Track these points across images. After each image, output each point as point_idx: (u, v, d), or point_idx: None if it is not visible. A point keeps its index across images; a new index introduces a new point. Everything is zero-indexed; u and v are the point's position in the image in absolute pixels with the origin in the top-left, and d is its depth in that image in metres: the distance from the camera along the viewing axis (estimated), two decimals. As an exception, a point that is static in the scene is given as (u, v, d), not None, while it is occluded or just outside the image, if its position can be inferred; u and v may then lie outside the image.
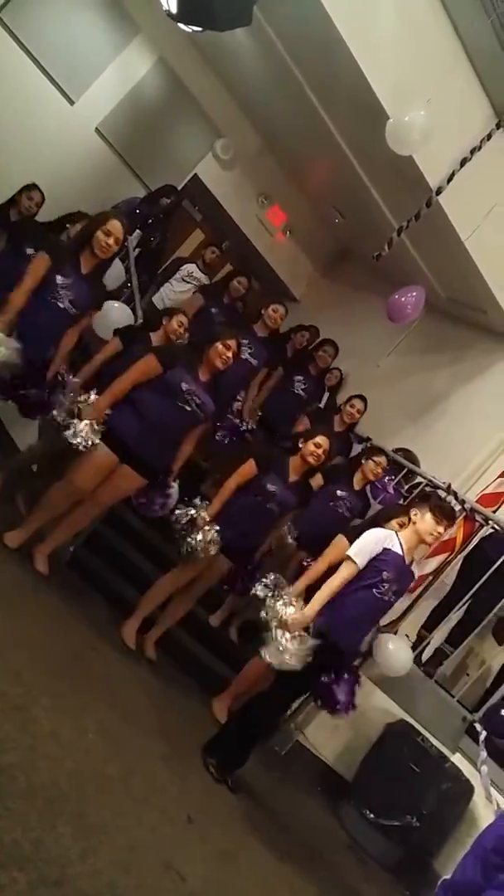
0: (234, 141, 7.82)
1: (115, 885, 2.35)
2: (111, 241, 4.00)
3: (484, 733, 4.57)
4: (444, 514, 3.71)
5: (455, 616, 5.11)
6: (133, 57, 7.33)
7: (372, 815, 4.50)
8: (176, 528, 4.13)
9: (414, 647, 4.95)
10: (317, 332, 7.17)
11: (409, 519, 3.79)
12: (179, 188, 7.70)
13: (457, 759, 4.68)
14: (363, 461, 5.08)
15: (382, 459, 5.12)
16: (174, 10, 4.19)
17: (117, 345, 4.63)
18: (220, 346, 4.11)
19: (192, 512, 4.12)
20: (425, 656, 5.09)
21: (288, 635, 3.50)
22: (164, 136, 7.72)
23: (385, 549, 3.64)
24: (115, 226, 4.01)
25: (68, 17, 7.02)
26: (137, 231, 6.79)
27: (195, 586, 4.35)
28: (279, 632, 3.52)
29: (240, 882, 3.08)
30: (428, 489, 5.57)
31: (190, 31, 5.11)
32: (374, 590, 3.59)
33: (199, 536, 4.07)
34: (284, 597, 3.76)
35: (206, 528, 4.08)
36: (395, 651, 4.44)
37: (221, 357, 4.11)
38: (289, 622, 3.55)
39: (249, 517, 4.28)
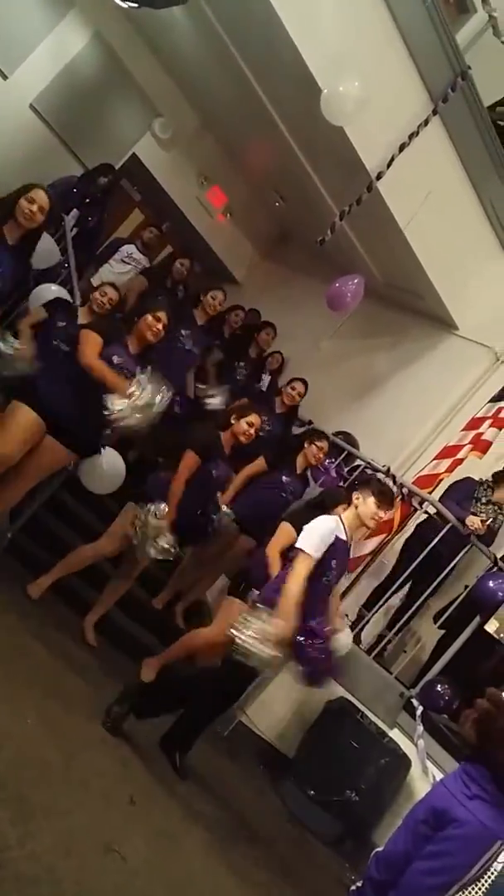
0: (173, 120, 7.71)
1: (54, 867, 2.35)
2: (35, 208, 3.90)
3: (420, 708, 4.69)
4: (386, 499, 3.74)
5: (397, 597, 5.23)
6: (68, 31, 7.14)
7: (312, 792, 4.58)
8: (136, 528, 4.11)
9: (353, 626, 5.04)
10: (257, 314, 7.18)
11: (351, 503, 3.80)
12: (117, 167, 7.56)
13: (394, 735, 4.80)
14: (305, 445, 5.13)
15: (324, 444, 5.17)
16: (110, -17, 4.11)
17: (41, 311, 4.56)
18: (149, 317, 4.09)
19: (149, 520, 4.08)
20: (364, 635, 5.19)
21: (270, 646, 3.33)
22: (102, 113, 7.57)
23: (336, 538, 3.63)
24: (38, 195, 3.92)
25: (0, -11, 6.81)
26: (75, 210, 6.66)
27: (129, 568, 4.34)
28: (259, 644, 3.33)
29: (182, 861, 3.10)
30: (368, 472, 5.66)
31: (126, 6, 5.03)
32: (323, 578, 3.58)
33: (160, 543, 4.06)
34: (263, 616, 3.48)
35: (163, 535, 4.06)
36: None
37: (152, 329, 4.09)
38: (272, 638, 3.31)
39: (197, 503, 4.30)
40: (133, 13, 6.52)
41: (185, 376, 6.06)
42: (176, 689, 3.77)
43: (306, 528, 3.62)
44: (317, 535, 3.55)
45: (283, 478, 5.08)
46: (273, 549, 4.14)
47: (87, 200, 6.74)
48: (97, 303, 4.75)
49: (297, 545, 3.56)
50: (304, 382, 6.24)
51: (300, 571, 3.45)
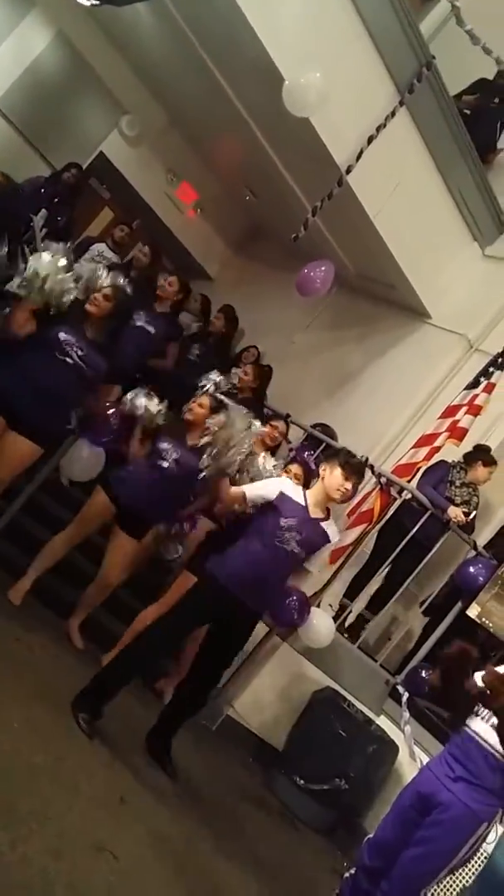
0: (140, 117, 7.68)
1: (46, 871, 2.36)
2: None
3: (406, 695, 4.74)
4: (353, 470, 3.58)
5: (375, 584, 5.27)
6: (30, 31, 7.11)
7: (302, 782, 4.62)
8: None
9: (337, 616, 5.08)
10: (231, 309, 7.18)
11: (318, 474, 3.70)
12: (85, 166, 7.53)
13: (381, 722, 4.85)
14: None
15: (279, 424, 5.22)
16: (71, -18, 4.09)
17: None
18: (95, 294, 4.07)
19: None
20: (347, 623, 5.23)
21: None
22: (67, 112, 7.53)
23: (281, 493, 3.58)
24: None
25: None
26: (44, 210, 6.62)
27: (107, 570, 4.34)
28: None
29: (174, 858, 3.12)
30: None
31: (88, 4, 5.01)
32: (276, 533, 3.51)
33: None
34: None
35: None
36: (318, 624, 4.53)
37: (93, 303, 4.05)
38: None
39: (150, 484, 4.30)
40: (96, 11, 6.48)
41: (139, 355, 5.92)
42: (118, 659, 3.69)
43: None
44: (258, 482, 3.72)
45: None
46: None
47: (56, 200, 6.70)
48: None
49: None
50: (259, 367, 6.33)
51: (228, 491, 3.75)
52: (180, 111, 7.53)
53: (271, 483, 3.74)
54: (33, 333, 3.91)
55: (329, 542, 3.72)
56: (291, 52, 4.99)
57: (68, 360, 3.91)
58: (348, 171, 5.44)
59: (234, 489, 3.74)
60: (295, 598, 4.37)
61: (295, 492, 3.65)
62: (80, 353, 3.94)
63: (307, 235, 5.89)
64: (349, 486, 3.58)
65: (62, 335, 3.91)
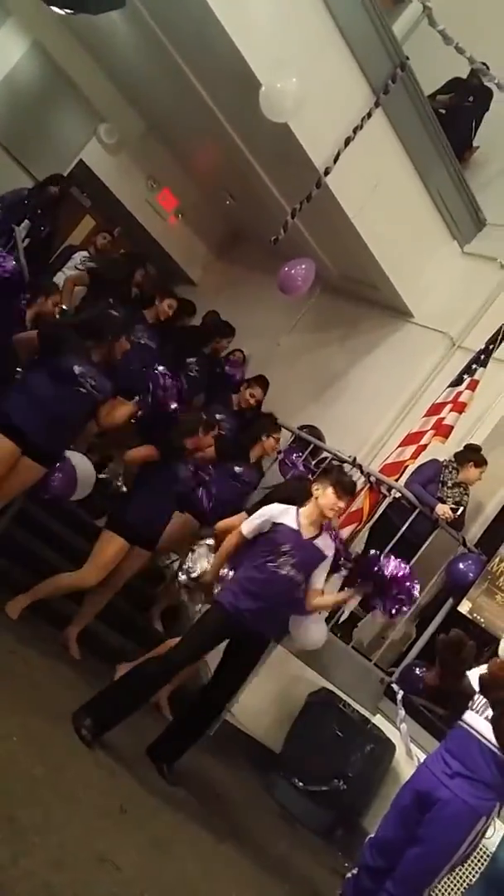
0: (118, 124, 7.69)
1: (49, 883, 2.36)
2: None
3: (401, 693, 4.76)
4: (345, 490, 3.69)
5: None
6: (5, 42, 7.11)
7: (301, 784, 4.64)
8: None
9: (330, 617, 5.10)
10: (216, 315, 7.20)
11: (311, 494, 3.77)
12: (65, 174, 7.53)
13: (377, 721, 4.87)
14: (263, 438, 5.23)
15: (280, 436, 5.34)
16: (45, -8, 4.10)
17: None
18: (125, 342, 4.30)
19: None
20: (341, 623, 5.25)
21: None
22: (46, 121, 7.53)
23: (275, 524, 3.65)
24: None
25: None
26: (26, 221, 6.62)
27: (112, 580, 4.34)
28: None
29: (176, 866, 3.13)
30: (334, 463, 5.71)
31: (63, 13, 5.01)
32: (268, 560, 3.58)
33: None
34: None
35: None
36: (309, 628, 4.54)
37: (122, 351, 4.28)
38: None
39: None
40: (71, 20, 6.49)
41: (147, 374, 5.99)
42: (128, 684, 3.69)
43: None
44: (255, 515, 3.75)
45: (236, 468, 5.13)
46: (221, 525, 4.22)
47: (39, 211, 6.70)
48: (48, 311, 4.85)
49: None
50: (263, 384, 6.32)
51: (230, 539, 3.80)
52: (158, 118, 7.54)
53: (265, 512, 3.74)
54: (46, 365, 4.00)
55: (326, 557, 3.75)
56: (266, 56, 5.02)
57: (82, 389, 4.01)
58: (326, 172, 5.47)
59: (232, 531, 3.83)
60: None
61: (287, 516, 3.68)
62: (92, 382, 4.04)
63: (289, 238, 5.92)
64: (342, 504, 3.71)
65: (76, 368, 4.00)
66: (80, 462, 4.39)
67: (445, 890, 3.91)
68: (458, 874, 3.83)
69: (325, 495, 3.66)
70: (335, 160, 5.48)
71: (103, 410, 4.27)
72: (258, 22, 4.99)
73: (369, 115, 5.54)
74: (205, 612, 3.83)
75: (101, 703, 3.51)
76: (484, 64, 6.10)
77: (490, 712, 3.11)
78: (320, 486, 3.71)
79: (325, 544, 3.74)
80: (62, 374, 3.97)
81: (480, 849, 3.47)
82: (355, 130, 5.51)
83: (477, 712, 3.17)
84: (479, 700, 3.16)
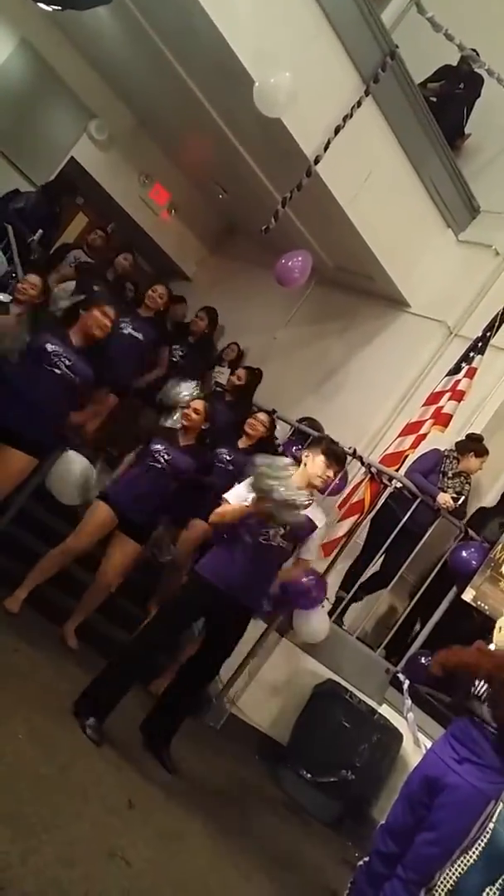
0: (108, 121, 7.67)
1: (59, 880, 2.36)
2: None
3: (407, 682, 4.76)
4: (335, 458, 3.59)
5: (370, 573, 5.29)
6: (-7, 40, 7.06)
7: (309, 775, 4.64)
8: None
9: (334, 609, 5.10)
10: (213, 312, 7.18)
11: (300, 461, 3.68)
12: (57, 172, 7.55)
13: (384, 710, 4.87)
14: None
15: (264, 417, 5.24)
16: (31, -11, 4.08)
17: None
18: (97, 312, 4.05)
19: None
20: (346, 616, 5.26)
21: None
22: (35, 119, 7.49)
23: None
24: None
25: None
26: (40, 231, 6.70)
27: (108, 573, 4.34)
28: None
29: (186, 859, 3.13)
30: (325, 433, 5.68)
31: (50, 9, 4.99)
32: (259, 538, 3.51)
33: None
34: None
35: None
36: (312, 620, 4.56)
37: (98, 324, 4.05)
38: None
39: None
40: (59, 16, 6.46)
41: (129, 360, 5.83)
42: (116, 664, 3.64)
43: None
44: (242, 484, 3.60)
45: (220, 451, 5.07)
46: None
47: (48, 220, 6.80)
48: (25, 294, 4.81)
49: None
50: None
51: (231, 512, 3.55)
52: (149, 112, 7.52)
53: (228, 495, 3.65)
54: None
55: (315, 527, 3.70)
56: (255, 47, 5.01)
57: (56, 370, 3.90)
58: (316, 161, 5.45)
59: (225, 505, 3.61)
60: (312, 577, 4.41)
61: None
62: (67, 362, 3.93)
63: (283, 231, 5.91)
64: (331, 473, 3.60)
65: (49, 346, 3.89)
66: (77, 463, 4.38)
67: (456, 872, 3.91)
68: (467, 858, 3.83)
69: (313, 463, 3.56)
70: (325, 149, 5.46)
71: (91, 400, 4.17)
72: (245, 12, 4.96)
73: (359, 103, 5.52)
74: (183, 585, 3.80)
75: (95, 690, 3.48)
76: (474, 50, 6.10)
77: (488, 690, 3.13)
78: (310, 452, 3.61)
79: (317, 516, 3.69)
80: (33, 352, 3.88)
81: (488, 831, 3.47)
82: (345, 119, 5.49)
83: (478, 698, 3.18)
84: (482, 685, 3.16)
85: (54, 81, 7.35)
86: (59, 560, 4.27)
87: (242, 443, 5.17)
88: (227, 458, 5.03)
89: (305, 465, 3.60)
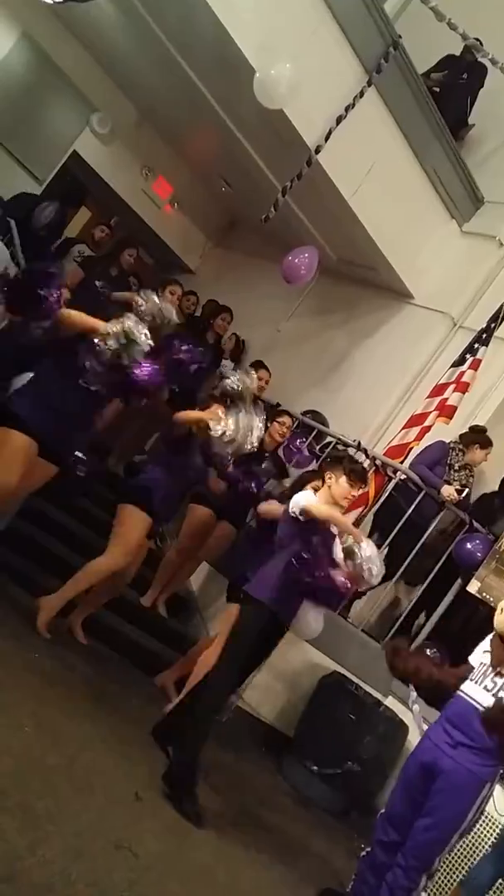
0: (111, 114, 7.65)
1: (67, 871, 2.37)
2: None
3: (412, 674, 4.76)
4: (358, 477, 3.73)
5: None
6: (-6, 34, 7.05)
7: (315, 767, 4.65)
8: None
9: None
10: (215, 304, 7.18)
11: (324, 481, 3.78)
12: (59, 166, 7.56)
13: (389, 702, 4.87)
14: (268, 424, 5.17)
15: (286, 419, 5.23)
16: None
17: None
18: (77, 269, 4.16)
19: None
20: (351, 609, 5.26)
21: None
22: (37, 113, 7.49)
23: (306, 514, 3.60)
24: None
25: None
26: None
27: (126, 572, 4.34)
28: None
29: (193, 852, 3.14)
30: (339, 447, 5.70)
31: (51, 2, 4.98)
32: (302, 553, 3.54)
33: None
34: None
35: None
36: (307, 618, 4.55)
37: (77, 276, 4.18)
38: None
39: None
40: (60, 9, 6.45)
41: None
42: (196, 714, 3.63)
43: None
44: (301, 498, 3.64)
45: (254, 466, 5.07)
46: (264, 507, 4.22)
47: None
48: None
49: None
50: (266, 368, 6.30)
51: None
52: (151, 106, 7.50)
53: (300, 498, 3.67)
54: (58, 361, 3.91)
55: (336, 538, 3.75)
56: (256, 38, 4.99)
57: (93, 387, 3.93)
58: (317, 150, 5.43)
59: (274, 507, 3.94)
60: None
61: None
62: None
63: (286, 223, 5.90)
64: (355, 493, 3.76)
65: (88, 364, 3.91)
66: None
67: (455, 858, 3.93)
68: (465, 842, 3.84)
69: (338, 484, 3.68)
70: (326, 138, 5.44)
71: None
72: (247, 3, 4.95)
73: (362, 94, 5.50)
74: (239, 616, 3.72)
75: (178, 770, 3.45)
76: (477, 40, 6.04)
77: (489, 682, 3.13)
78: (333, 474, 3.72)
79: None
80: (76, 370, 3.85)
81: (486, 815, 3.49)
82: (347, 109, 5.47)
83: (476, 682, 3.18)
84: (480, 670, 3.17)
85: (56, 75, 7.34)
86: (105, 575, 4.20)
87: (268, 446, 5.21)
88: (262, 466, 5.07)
89: (329, 486, 3.69)
